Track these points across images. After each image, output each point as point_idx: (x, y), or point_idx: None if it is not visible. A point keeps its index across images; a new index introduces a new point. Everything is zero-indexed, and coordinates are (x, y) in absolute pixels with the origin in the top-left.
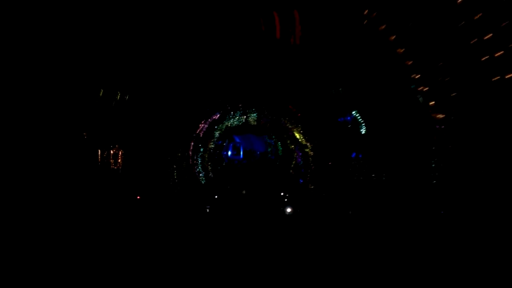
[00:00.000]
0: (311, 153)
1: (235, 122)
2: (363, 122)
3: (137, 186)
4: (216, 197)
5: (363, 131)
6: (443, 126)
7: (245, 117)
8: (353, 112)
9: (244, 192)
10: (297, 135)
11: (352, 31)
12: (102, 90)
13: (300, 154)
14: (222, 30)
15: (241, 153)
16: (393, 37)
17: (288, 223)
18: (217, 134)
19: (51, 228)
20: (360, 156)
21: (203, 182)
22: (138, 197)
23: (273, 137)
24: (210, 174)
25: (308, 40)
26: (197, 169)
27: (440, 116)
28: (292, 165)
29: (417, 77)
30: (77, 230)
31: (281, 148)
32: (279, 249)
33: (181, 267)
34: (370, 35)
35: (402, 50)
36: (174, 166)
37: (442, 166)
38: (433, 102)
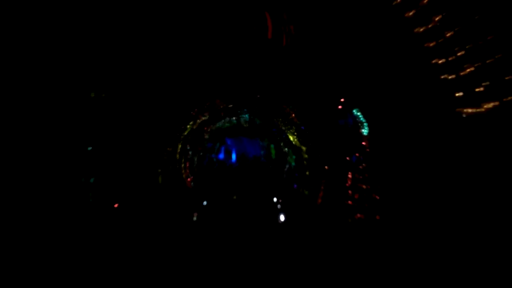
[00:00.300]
0: (306, 156)
1: (226, 124)
2: (365, 122)
3: (117, 192)
4: (205, 202)
5: (365, 132)
6: (472, 124)
7: (236, 118)
8: (354, 111)
9: (235, 197)
10: (291, 137)
11: (358, 5)
12: (92, 92)
13: (294, 157)
14: (213, 28)
15: (233, 156)
16: (411, 13)
17: (281, 231)
18: (207, 136)
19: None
20: (362, 159)
21: (191, 187)
22: (116, 205)
23: (266, 139)
24: (199, 179)
25: (303, 29)
26: (185, 173)
27: (470, 111)
28: (286, 169)
29: (440, 62)
30: (46, 245)
31: (274, 151)
32: (271, 259)
33: (167, 279)
34: (381, 11)
35: (421, 29)
36: (159, 170)
37: (469, 173)
38: (461, 94)
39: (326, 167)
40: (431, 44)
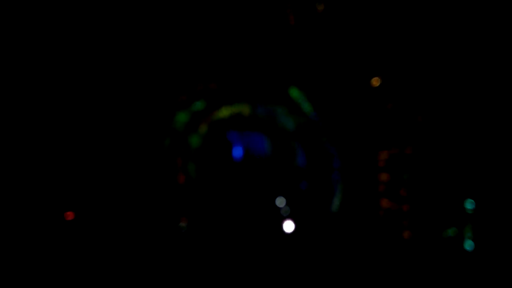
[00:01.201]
0: (319, 153)
1: (225, 114)
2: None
3: (95, 193)
4: (200, 203)
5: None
6: None
7: (236, 107)
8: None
9: (233, 198)
10: (301, 129)
11: None
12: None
13: (304, 153)
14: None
15: (232, 150)
16: None
17: (287, 237)
18: (202, 127)
19: None
20: (400, 157)
21: (184, 185)
22: (70, 215)
23: (271, 132)
24: (193, 176)
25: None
26: (177, 170)
27: None
28: (292, 166)
29: None
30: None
31: (280, 146)
32: (274, 271)
33: None
34: None
35: None
36: (147, 166)
37: None
38: None
39: (342, 165)
40: None
